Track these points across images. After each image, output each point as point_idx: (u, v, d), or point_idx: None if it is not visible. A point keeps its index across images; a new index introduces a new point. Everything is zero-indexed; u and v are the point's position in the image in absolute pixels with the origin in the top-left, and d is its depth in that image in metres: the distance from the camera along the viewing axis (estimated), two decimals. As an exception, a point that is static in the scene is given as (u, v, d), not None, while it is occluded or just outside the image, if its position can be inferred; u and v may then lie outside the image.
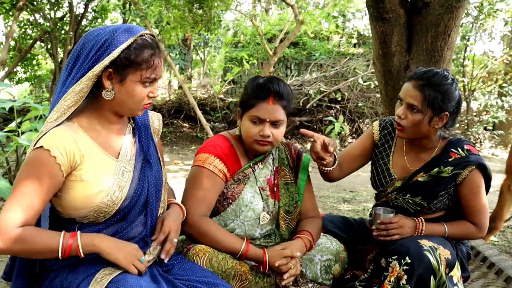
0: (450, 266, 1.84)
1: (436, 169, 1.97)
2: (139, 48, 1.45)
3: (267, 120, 1.83)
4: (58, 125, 1.45)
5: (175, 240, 1.59)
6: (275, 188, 2.02)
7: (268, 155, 2.04)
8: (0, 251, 1.40)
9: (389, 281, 1.81)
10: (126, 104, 1.51)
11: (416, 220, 1.99)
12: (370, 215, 2.19)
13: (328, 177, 2.12)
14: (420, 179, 2.00)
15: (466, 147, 1.97)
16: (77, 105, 1.46)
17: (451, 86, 1.90)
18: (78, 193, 1.46)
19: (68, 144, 1.43)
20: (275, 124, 1.86)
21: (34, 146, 1.43)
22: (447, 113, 1.90)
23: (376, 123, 2.21)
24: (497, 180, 3.27)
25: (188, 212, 1.78)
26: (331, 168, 2.01)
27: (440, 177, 1.97)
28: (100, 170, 1.50)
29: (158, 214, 1.65)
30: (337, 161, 2.03)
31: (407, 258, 1.77)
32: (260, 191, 1.97)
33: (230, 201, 1.93)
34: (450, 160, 1.96)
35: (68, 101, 1.45)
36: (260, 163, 2.01)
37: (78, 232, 1.46)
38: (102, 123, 1.55)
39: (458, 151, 1.96)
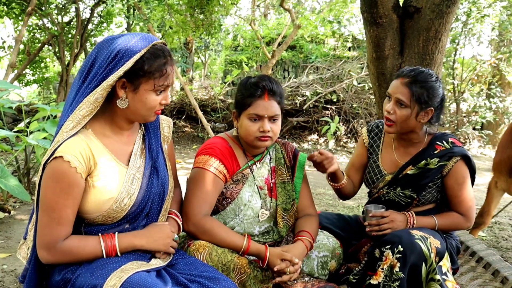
0: (440, 256, 1.85)
1: (423, 162, 2.02)
2: (152, 57, 1.44)
3: (265, 116, 1.86)
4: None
5: (162, 252, 1.61)
6: (272, 186, 2.03)
7: (266, 155, 2.05)
8: (51, 263, 1.47)
9: (382, 269, 1.82)
10: (139, 111, 1.50)
11: (407, 214, 2.01)
12: (363, 212, 2.25)
13: (343, 193, 2.21)
14: (409, 172, 2.05)
15: (450, 140, 2.04)
16: (92, 114, 1.45)
17: (435, 83, 1.97)
18: (90, 199, 1.47)
19: (84, 150, 1.43)
20: (272, 119, 1.88)
21: (51, 156, 1.41)
22: (432, 108, 1.97)
23: (364, 129, 2.29)
24: (486, 178, 3.19)
25: (191, 212, 1.80)
26: (342, 183, 2.13)
27: (427, 169, 2.02)
28: (111, 177, 1.49)
29: (159, 219, 1.66)
30: (345, 176, 2.15)
31: (399, 246, 1.78)
32: (258, 190, 1.98)
33: (229, 200, 1.94)
34: (435, 152, 2.02)
35: (83, 110, 1.43)
36: (258, 162, 2.02)
37: (116, 235, 1.51)
38: (114, 129, 1.54)
39: (443, 143, 2.03)
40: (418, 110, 1.97)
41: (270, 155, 2.07)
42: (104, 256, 1.47)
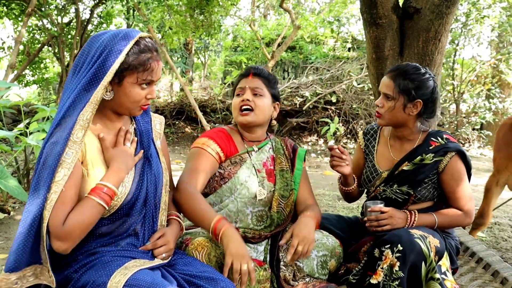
0: (439, 255, 1.85)
1: (418, 157, 2.05)
2: (137, 52, 1.47)
3: (247, 86, 2.00)
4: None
5: (164, 255, 1.59)
6: (271, 172, 2.08)
7: (266, 144, 2.12)
8: (68, 248, 1.41)
9: (382, 268, 1.82)
10: (124, 104, 1.53)
11: (407, 212, 2.02)
12: (362, 214, 2.28)
13: (350, 196, 2.29)
14: (405, 168, 2.08)
15: (445, 136, 2.08)
16: (94, 112, 1.46)
17: (422, 76, 2.01)
18: (85, 189, 1.47)
19: None
20: (255, 93, 2.00)
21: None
22: (420, 100, 2.01)
23: (360, 133, 2.36)
24: (486, 178, 3.25)
25: (180, 181, 1.85)
26: (352, 188, 2.20)
27: (423, 164, 2.04)
28: (105, 166, 1.51)
29: (159, 216, 1.66)
30: (355, 182, 2.22)
31: (399, 245, 1.79)
32: (256, 173, 2.03)
33: (227, 180, 1.99)
34: (430, 148, 2.05)
35: (88, 113, 1.44)
36: (256, 149, 2.09)
37: (103, 182, 1.47)
38: (104, 121, 1.57)
39: (438, 139, 2.06)
40: (405, 102, 2.02)
41: (271, 144, 2.15)
42: (106, 207, 1.45)
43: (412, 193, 2.07)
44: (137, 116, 1.66)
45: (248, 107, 2.00)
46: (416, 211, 2.04)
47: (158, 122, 1.78)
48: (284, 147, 2.18)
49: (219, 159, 1.99)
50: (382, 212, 2.01)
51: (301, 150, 2.20)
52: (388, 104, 2.04)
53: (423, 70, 2.04)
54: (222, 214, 1.97)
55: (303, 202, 2.12)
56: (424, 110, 2.04)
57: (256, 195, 2.00)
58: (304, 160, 2.20)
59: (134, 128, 1.66)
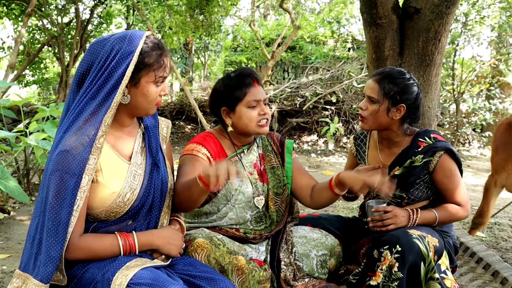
0: (438, 254, 1.86)
1: (408, 161, 2.05)
2: (149, 50, 1.48)
3: (261, 99, 1.95)
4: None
5: (163, 256, 1.60)
6: (262, 172, 2.07)
7: (253, 144, 2.11)
8: (69, 259, 1.43)
9: (381, 270, 1.82)
10: (141, 105, 1.53)
11: (409, 210, 2.02)
12: (363, 214, 2.27)
13: (350, 198, 2.29)
14: (396, 172, 2.08)
15: (432, 135, 2.07)
16: (112, 118, 1.48)
17: (407, 81, 2.04)
18: (94, 194, 1.47)
19: None
20: (265, 103, 1.99)
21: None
22: (404, 105, 2.02)
23: (351, 138, 2.37)
24: (485, 179, 3.27)
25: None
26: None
27: (413, 167, 2.05)
28: (114, 172, 1.51)
29: (161, 219, 1.65)
30: None
31: (397, 246, 1.79)
32: (248, 175, 2.03)
33: (220, 187, 2.00)
34: (419, 149, 2.05)
35: (109, 119, 1.45)
36: (246, 150, 2.07)
37: (134, 234, 1.52)
38: (115, 126, 1.56)
39: (426, 139, 2.06)
40: (389, 106, 2.03)
41: (257, 143, 2.13)
42: (122, 254, 1.48)
43: (405, 196, 2.08)
44: (146, 121, 1.67)
45: (266, 118, 1.99)
46: (418, 208, 2.04)
47: (165, 126, 1.78)
48: (271, 142, 2.16)
49: (208, 160, 1.97)
50: (386, 212, 2.00)
51: (288, 142, 2.17)
52: (371, 107, 2.05)
53: (408, 76, 2.06)
54: (223, 223, 1.98)
55: (307, 187, 2.08)
56: (407, 115, 2.06)
57: (253, 201, 1.99)
58: (292, 149, 2.17)
59: (143, 133, 1.66)
